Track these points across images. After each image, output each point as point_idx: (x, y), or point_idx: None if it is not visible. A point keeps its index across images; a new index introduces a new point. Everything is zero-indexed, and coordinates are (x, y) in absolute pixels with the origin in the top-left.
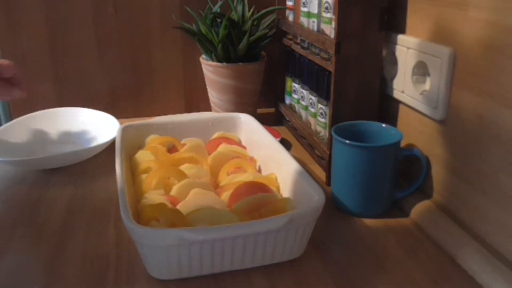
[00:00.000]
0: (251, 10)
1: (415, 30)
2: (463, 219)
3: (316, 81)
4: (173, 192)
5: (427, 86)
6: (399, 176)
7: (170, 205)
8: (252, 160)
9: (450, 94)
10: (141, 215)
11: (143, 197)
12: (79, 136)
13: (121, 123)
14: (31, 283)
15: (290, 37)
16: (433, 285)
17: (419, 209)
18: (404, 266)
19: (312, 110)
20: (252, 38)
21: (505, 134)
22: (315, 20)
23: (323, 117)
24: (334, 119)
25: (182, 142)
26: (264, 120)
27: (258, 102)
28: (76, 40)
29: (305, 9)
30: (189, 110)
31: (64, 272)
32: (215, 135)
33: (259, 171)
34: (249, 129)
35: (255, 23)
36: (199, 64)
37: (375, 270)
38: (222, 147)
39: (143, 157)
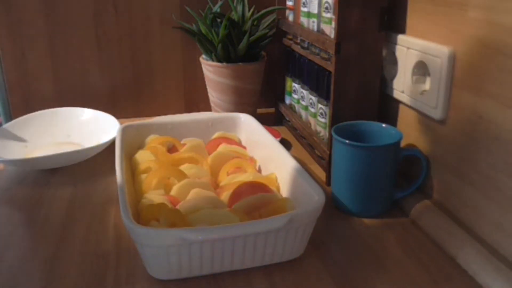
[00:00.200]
0: (251, 10)
1: (415, 30)
2: (463, 219)
3: (316, 81)
4: (173, 192)
5: (427, 86)
6: (399, 176)
7: (170, 205)
8: (252, 160)
9: (450, 94)
10: (141, 215)
11: (143, 197)
12: (79, 136)
13: (121, 123)
14: (31, 283)
15: (290, 37)
16: (433, 285)
17: (419, 209)
18: (404, 266)
19: (312, 110)
20: (252, 38)
21: (505, 134)
22: (315, 20)
23: (323, 117)
24: (334, 119)
25: (182, 142)
26: (264, 120)
27: (258, 102)
28: (76, 40)
29: (305, 9)
30: (189, 110)
31: (64, 272)
32: (215, 135)
33: (259, 171)
34: (249, 129)
35: (255, 23)
36: (199, 64)
37: (375, 270)
38: (222, 147)
39: (143, 157)
